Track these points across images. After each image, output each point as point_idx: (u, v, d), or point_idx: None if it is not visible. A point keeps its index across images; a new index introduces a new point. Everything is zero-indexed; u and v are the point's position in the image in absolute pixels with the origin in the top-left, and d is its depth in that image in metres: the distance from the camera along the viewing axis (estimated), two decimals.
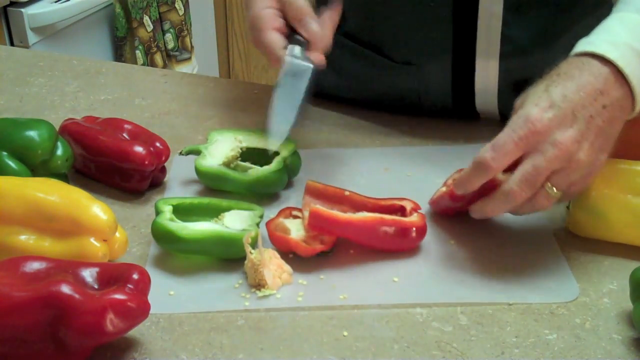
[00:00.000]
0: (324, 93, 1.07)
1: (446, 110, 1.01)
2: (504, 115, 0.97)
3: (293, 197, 0.87)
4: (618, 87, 0.72)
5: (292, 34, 0.87)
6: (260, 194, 0.86)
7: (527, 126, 0.69)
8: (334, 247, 0.77)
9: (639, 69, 0.72)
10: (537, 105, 0.70)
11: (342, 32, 1.04)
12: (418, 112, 1.02)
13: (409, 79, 0.99)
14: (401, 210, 0.79)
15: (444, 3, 0.91)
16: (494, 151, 0.70)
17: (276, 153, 0.87)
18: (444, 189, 0.82)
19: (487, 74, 0.95)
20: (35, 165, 0.82)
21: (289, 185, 0.88)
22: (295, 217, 0.80)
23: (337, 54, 1.05)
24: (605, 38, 0.74)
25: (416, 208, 0.79)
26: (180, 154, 0.90)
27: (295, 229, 0.78)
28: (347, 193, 0.81)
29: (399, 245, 0.77)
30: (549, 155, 0.69)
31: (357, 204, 0.80)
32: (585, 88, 0.71)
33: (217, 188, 0.87)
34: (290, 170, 0.87)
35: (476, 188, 0.73)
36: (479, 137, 0.98)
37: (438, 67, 0.97)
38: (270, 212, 0.81)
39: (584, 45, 0.74)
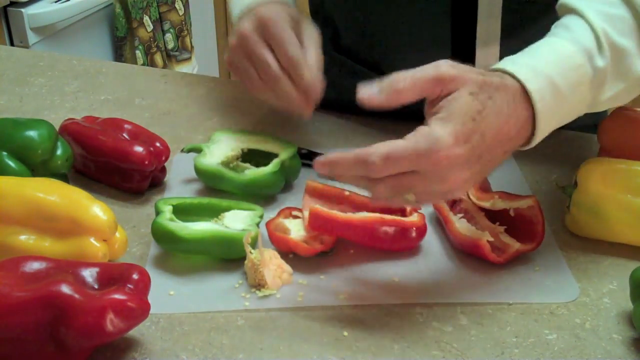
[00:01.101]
0: (323, 105, 1.07)
1: None
2: None
3: (291, 200, 0.87)
4: (523, 121, 0.67)
5: None
6: (256, 195, 0.86)
7: (431, 153, 0.63)
8: (334, 247, 0.77)
9: (549, 105, 0.68)
10: (455, 133, 0.63)
11: (337, 48, 1.03)
12: (419, 121, 1.02)
13: None
14: (401, 211, 0.79)
15: (442, 24, 0.91)
16: (386, 160, 0.63)
17: (275, 155, 0.87)
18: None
19: None
20: (35, 165, 0.82)
21: (287, 188, 0.88)
22: (295, 217, 0.80)
23: (334, 72, 1.05)
24: (529, 62, 0.69)
25: (416, 208, 0.79)
26: (182, 151, 0.91)
27: (295, 229, 0.78)
28: (347, 193, 0.81)
29: (399, 245, 0.77)
30: (433, 189, 0.65)
31: (357, 204, 0.80)
32: (502, 132, 0.66)
33: (214, 187, 0.87)
34: (289, 173, 0.87)
35: (344, 176, 0.67)
36: None
37: None
38: (268, 215, 0.81)
39: (507, 63, 0.70)
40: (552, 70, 0.69)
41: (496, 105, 0.66)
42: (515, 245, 0.76)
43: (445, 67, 0.66)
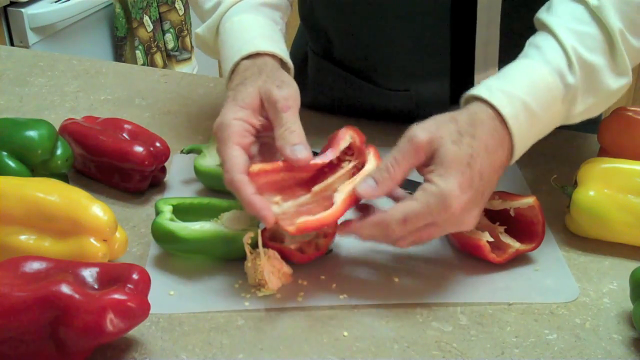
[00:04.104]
0: (318, 108, 1.06)
1: None
2: None
3: None
4: (507, 147, 0.71)
5: None
6: None
7: (444, 208, 0.67)
8: (332, 249, 0.77)
9: (525, 127, 0.71)
10: (459, 185, 0.67)
11: (329, 57, 1.03)
12: (408, 121, 1.02)
13: (405, 102, 1.00)
14: None
15: (441, 32, 0.91)
16: (404, 224, 0.67)
17: None
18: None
19: None
20: (35, 165, 0.82)
21: None
22: None
23: (329, 81, 1.05)
24: (503, 87, 0.72)
25: None
26: (182, 152, 0.91)
27: (290, 235, 0.76)
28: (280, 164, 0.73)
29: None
30: (444, 227, 0.70)
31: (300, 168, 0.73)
32: (495, 165, 0.70)
33: (215, 188, 0.87)
34: None
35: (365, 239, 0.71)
36: None
37: (436, 89, 0.97)
38: None
39: (482, 89, 0.72)
40: (526, 93, 0.72)
41: (482, 142, 0.70)
42: (515, 245, 0.76)
43: (417, 133, 0.70)
